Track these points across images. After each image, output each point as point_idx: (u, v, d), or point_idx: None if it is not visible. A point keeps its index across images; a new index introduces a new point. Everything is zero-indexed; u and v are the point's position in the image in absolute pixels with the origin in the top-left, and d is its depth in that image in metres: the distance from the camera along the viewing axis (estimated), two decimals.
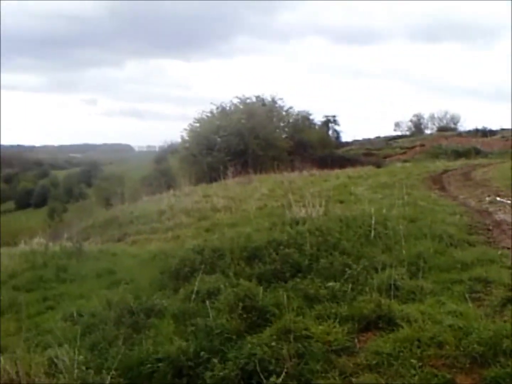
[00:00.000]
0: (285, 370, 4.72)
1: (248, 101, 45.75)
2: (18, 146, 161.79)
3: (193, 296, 6.76)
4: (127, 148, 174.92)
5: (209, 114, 44.79)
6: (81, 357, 5.40)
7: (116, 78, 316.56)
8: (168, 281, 8.23)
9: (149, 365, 5.30)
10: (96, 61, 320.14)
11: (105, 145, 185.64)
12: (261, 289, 6.33)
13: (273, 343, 5.07)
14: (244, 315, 5.84)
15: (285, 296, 6.08)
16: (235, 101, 45.76)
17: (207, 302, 6.26)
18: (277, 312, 5.91)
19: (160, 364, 5.26)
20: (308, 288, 6.62)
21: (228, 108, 45.61)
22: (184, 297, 6.97)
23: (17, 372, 5.24)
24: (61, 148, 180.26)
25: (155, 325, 6.35)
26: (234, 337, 5.53)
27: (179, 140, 47.96)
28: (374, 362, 4.83)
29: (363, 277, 6.88)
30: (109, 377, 5.08)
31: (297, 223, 9.46)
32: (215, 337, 5.53)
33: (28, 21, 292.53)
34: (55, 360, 5.39)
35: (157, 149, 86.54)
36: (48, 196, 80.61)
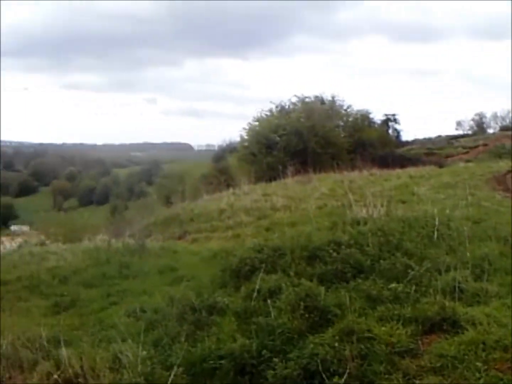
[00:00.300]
0: (347, 370, 4.71)
1: (307, 99, 45.51)
2: (81, 144, 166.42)
3: (255, 294, 6.78)
4: (187, 147, 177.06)
5: (268, 113, 44.62)
6: (144, 352, 5.49)
7: (175, 77, 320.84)
8: (229, 279, 8.28)
9: (211, 362, 5.37)
10: (156, 60, 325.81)
11: (164, 143, 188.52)
12: (323, 289, 6.32)
13: (336, 344, 5.06)
14: (306, 315, 5.84)
15: (347, 297, 6.06)
16: (294, 100, 45.54)
17: (269, 301, 6.28)
18: (339, 313, 5.89)
19: (222, 361, 5.31)
20: (370, 289, 6.58)
21: (287, 107, 45.47)
22: (246, 296, 7.01)
23: (81, 366, 5.37)
24: (122, 146, 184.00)
25: (217, 323, 6.41)
26: (295, 336, 5.55)
27: (238, 139, 48.06)
28: (438, 364, 4.79)
29: (427, 278, 6.79)
30: (173, 373, 5.14)
31: (358, 223, 9.39)
32: (277, 336, 5.56)
33: (90, 21, 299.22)
34: (119, 355, 5.50)
35: (216, 148, 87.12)
36: (109, 193, 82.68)
